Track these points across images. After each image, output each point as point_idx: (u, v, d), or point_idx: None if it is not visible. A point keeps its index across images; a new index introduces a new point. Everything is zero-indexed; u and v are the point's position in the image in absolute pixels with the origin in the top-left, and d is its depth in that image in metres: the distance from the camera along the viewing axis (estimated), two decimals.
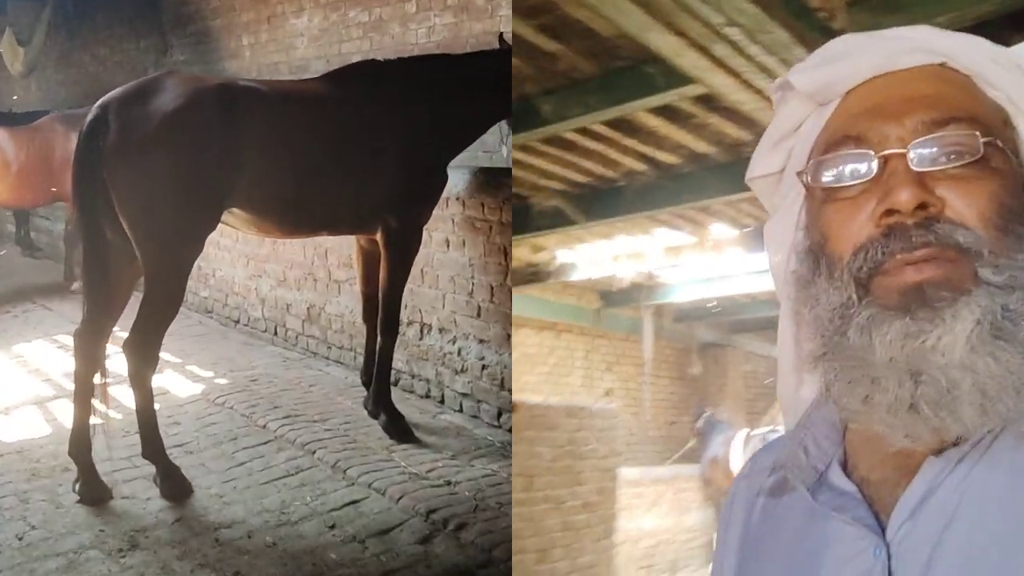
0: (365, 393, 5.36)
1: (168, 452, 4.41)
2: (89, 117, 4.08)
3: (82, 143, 4.05)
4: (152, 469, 4.32)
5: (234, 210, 4.35)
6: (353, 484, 4.36)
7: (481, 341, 5.21)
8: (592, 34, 3.72)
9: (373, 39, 7.36)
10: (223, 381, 6.08)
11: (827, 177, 0.96)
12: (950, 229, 0.87)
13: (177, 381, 6.15)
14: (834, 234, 0.95)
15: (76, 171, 4.09)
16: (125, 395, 5.63)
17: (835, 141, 0.97)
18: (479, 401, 5.26)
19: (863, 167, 0.92)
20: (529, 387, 8.36)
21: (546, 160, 5.23)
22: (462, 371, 5.36)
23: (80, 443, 4.28)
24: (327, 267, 6.42)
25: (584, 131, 4.68)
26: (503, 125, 5.23)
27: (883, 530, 0.90)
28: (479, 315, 5.20)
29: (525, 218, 5.95)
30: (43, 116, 9.51)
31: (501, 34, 5.49)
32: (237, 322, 7.57)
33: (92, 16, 11.83)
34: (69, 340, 7.25)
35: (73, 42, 12.57)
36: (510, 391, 5.03)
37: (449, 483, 4.34)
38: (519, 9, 3.73)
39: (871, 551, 0.89)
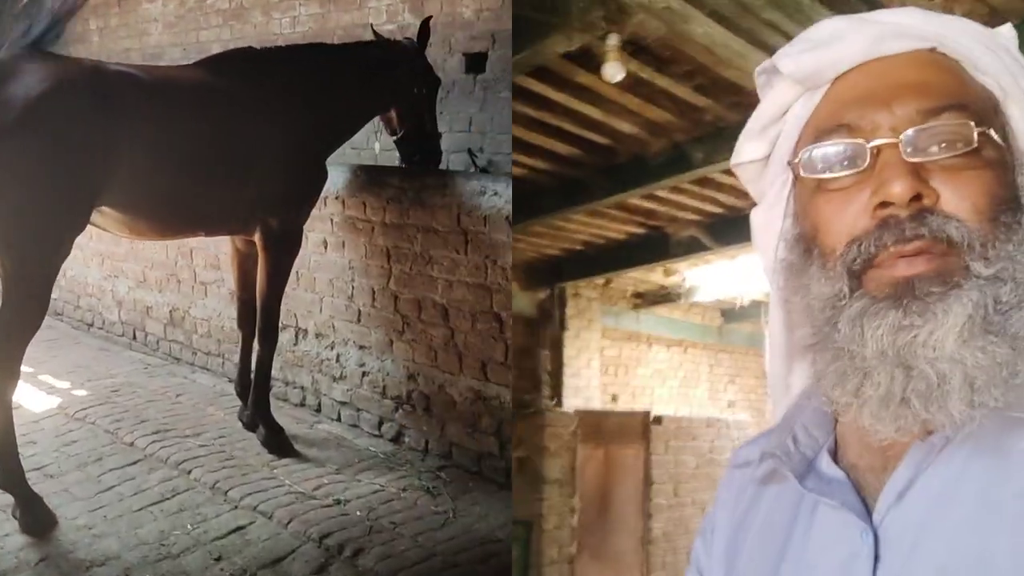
0: (237, 403, 5.04)
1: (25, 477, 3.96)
2: None
3: None
4: (6, 498, 3.88)
5: (104, 209, 3.93)
6: (236, 507, 4.03)
7: (361, 347, 4.94)
8: (738, 89, 4.22)
9: (233, 27, 7.00)
10: (82, 392, 5.61)
11: (819, 167, 0.94)
12: (943, 222, 0.86)
13: (30, 393, 5.62)
14: (826, 225, 0.93)
15: None
16: None
17: (825, 130, 0.95)
18: (359, 410, 5.00)
19: (855, 157, 0.91)
20: (661, 400, 8.91)
21: (687, 196, 5.79)
22: (341, 378, 5.09)
23: None
24: (192, 267, 6.02)
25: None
26: (376, 120, 5.00)
27: (870, 515, 0.90)
28: (359, 320, 4.94)
29: (665, 245, 6.61)
30: None
31: (372, 25, 5.24)
32: (91, 325, 7.06)
33: None
34: None
35: None
36: (394, 399, 4.79)
37: (339, 502, 4.06)
38: (677, 74, 4.27)
39: (858, 535, 0.89)
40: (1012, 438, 0.85)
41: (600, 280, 7.94)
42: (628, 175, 5.43)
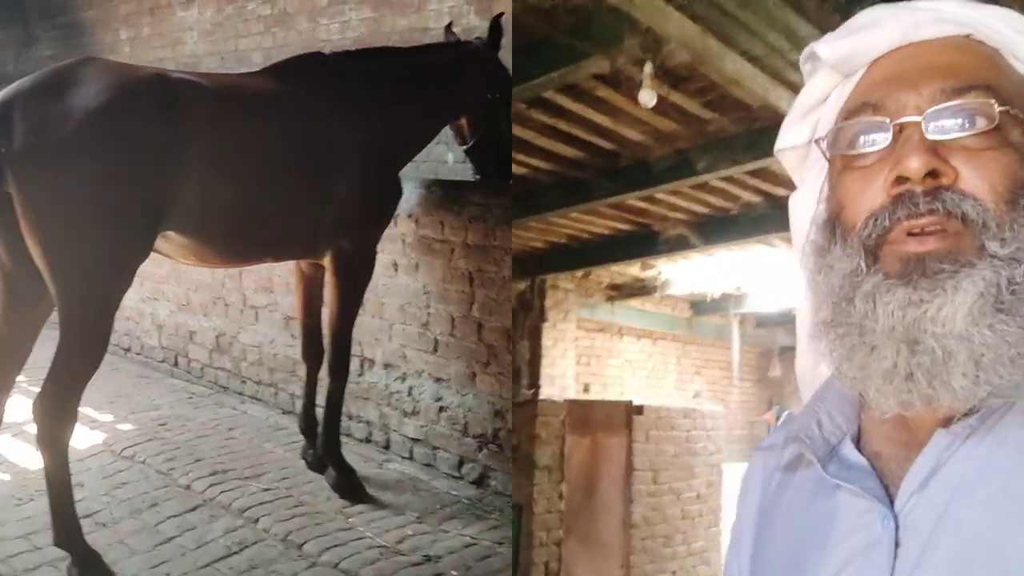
0: (296, 439, 4.60)
1: None
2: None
3: None
4: (57, 551, 3.43)
5: (169, 233, 3.49)
6: (315, 564, 3.56)
7: (438, 380, 4.49)
8: (745, 106, 4.48)
9: (276, 34, 6.54)
10: (127, 427, 5.15)
11: (843, 144, 0.95)
12: (959, 199, 0.85)
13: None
14: (849, 202, 0.93)
15: None
16: (11, 447, 4.75)
17: (854, 109, 0.96)
18: (435, 448, 4.54)
19: (879, 135, 0.91)
20: (631, 390, 9.13)
21: (679, 197, 5.93)
22: (413, 413, 4.63)
23: None
24: (241, 290, 5.57)
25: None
26: (447, 130, 4.57)
27: (892, 502, 0.89)
28: (435, 350, 4.48)
29: (653, 242, 6.86)
30: None
31: (449, 24, 4.76)
32: (128, 350, 6.60)
33: None
34: None
35: None
36: (476, 438, 4.33)
37: (429, 558, 3.60)
38: (690, 90, 4.39)
39: (879, 521, 0.89)
40: None
41: (579, 272, 8.06)
42: (630, 178, 5.53)
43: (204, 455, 4.68)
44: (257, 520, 3.94)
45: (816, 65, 1.05)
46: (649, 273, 8.28)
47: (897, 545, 0.87)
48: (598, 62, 3.97)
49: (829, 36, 1.03)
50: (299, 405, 4.62)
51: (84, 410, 5.28)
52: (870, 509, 0.91)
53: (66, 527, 3.36)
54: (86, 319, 3.27)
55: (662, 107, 4.45)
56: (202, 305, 5.90)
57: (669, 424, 6.68)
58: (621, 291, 8.94)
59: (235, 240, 3.69)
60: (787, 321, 8.99)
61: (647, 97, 3.92)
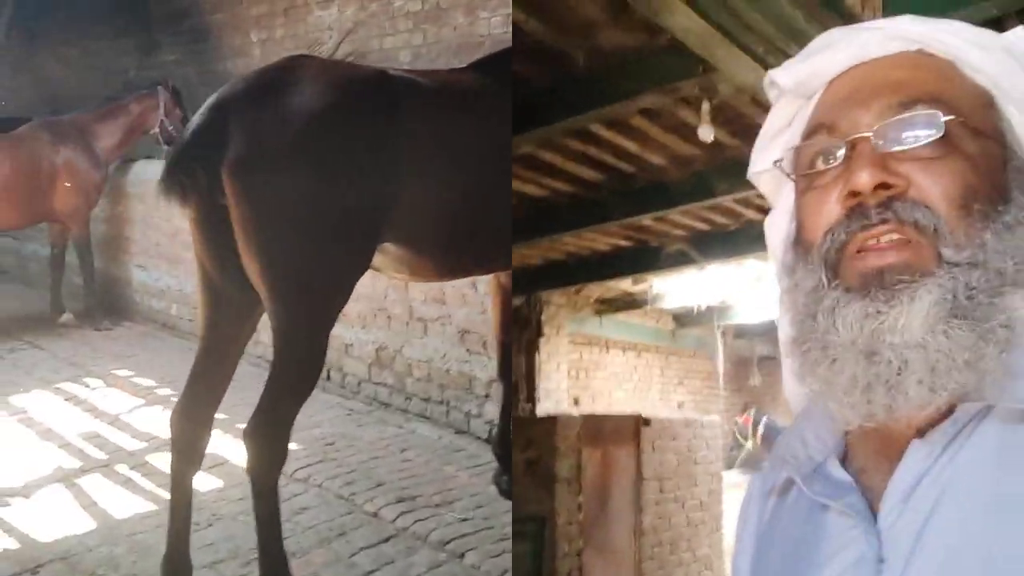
0: (478, 462, 4.25)
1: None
2: (197, 122, 2.86)
3: (186, 158, 2.82)
4: None
5: (387, 245, 3.16)
6: None
7: None
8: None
9: (427, 31, 6.19)
10: (292, 446, 4.83)
11: (803, 164, 0.97)
12: (910, 208, 0.87)
13: (232, 446, 4.92)
14: (808, 220, 0.96)
15: (177, 195, 2.84)
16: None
17: (810, 130, 0.99)
18: None
19: (831, 153, 0.93)
20: (618, 402, 9.43)
21: (683, 215, 5.97)
22: None
23: (177, 567, 3.10)
24: (407, 302, 5.23)
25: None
26: None
27: (875, 517, 0.89)
28: None
29: (652, 258, 6.94)
30: (19, 123, 8.17)
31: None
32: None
33: (56, 14, 10.38)
34: (76, 390, 6.10)
35: (31, 44, 11.09)
36: None
37: None
38: (717, 120, 4.12)
39: (863, 538, 0.89)
40: (1016, 434, 0.83)
41: (571, 288, 8.15)
42: (647, 199, 5.59)
43: (383, 479, 4.35)
44: (462, 555, 3.58)
45: (777, 91, 1.07)
46: (640, 287, 8.36)
47: (882, 560, 0.86)
48: (651, 99, 4.06)
49: (788, 62, 1.06)
50: (474, 425, 4.27)
51: (241, 425, 5.04)
52: (854, 526, 0.90)
53: (275, 567, 3.04)
54: (304, 337, 2.98)
55: (684, 133, 4.59)
56: (360, 316, 5.59)
57: (672, 434, 6.87)
58: (610, 305, 9.05)
59: (450, 251, 3.34)
60: (765, 331, 9.52)
61: (706, 133, 4.02)
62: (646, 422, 6.64)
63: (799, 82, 1.04)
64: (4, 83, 11.95)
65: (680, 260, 6.79)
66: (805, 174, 0.97)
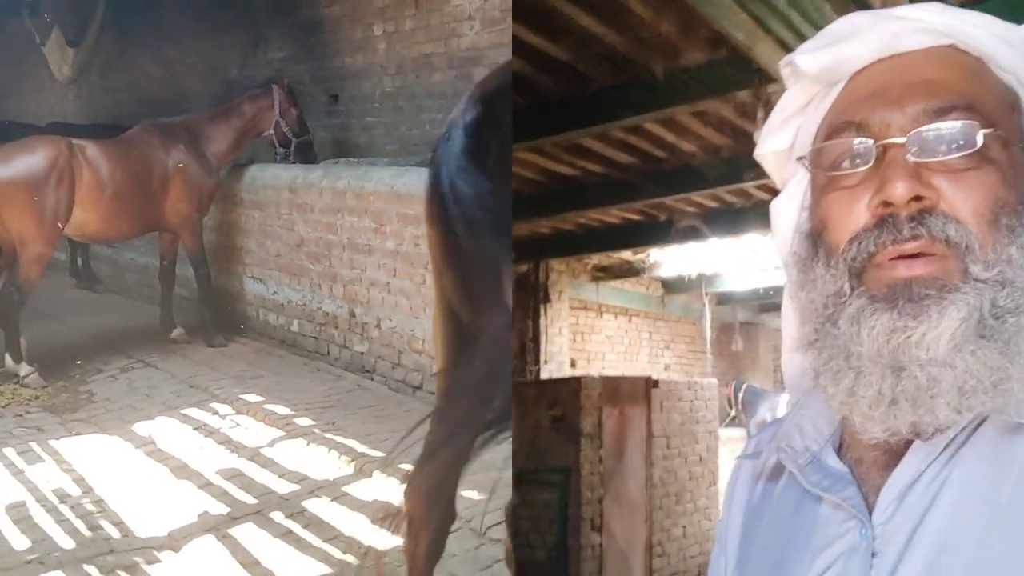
0: None
1: None
2: (472, 119, 2.21)
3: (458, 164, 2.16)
4: None
5: None
6: None
7: None
8: None
9: None
10: (473, 494, 4.16)
11: (827, 163, 0.94)
12: (942, 223, 0.86)
13: (391, 486, 4.26)
14: (833, 221, 0.93)
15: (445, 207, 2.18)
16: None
17: (837, 127, 0.95)
18: None
19: (862, 155, 0.91)
20: (611, 364, 9.89)
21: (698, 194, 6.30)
22: None
23: None
24: None
25: None
26: None
27: (870, 511, 0.90)
28: None
29: (664, 232, 7.18)
30: (117, 131, 7.66)
31: None
32: (417, 388, 5.64)
33: (154, 10, 9.85)
34: (204, 417, 5.49)
35: (126, 42, 10.59)
36: None
37: None
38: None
39: (857, 531, 0.89)
40: (1013, 444, 0.85)
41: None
42: (675, 180, 5.88)
43: None
44: None
45: (796, 74, 1.03)
46: (639, 256, 8.69)
47: (874, 554, 0.87)
48: (710, 104, 4.46)
49: (808, 45, 1.02)
50: None
51: (404, 465, 4.37)
52: (848, 519, 0.91)
53: None
54: None
55: (720, 126, 4.99)
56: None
57: (677, 395, 7.47)
58: (607, 272, 9.35)
59: None
60: (747, 298, 10.58)
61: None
62: (655, 384, 7.28)
63: (823, 68, 0.98)
64: (95, 84, 11.48)
65: (690, 235, 7.06)
66: (830, 174, 0.94)
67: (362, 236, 5.86)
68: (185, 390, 5.88)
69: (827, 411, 1.00)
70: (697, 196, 6.43)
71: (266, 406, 5.45)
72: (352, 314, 6.01)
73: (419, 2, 6.77)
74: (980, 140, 0.87)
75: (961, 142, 0.87)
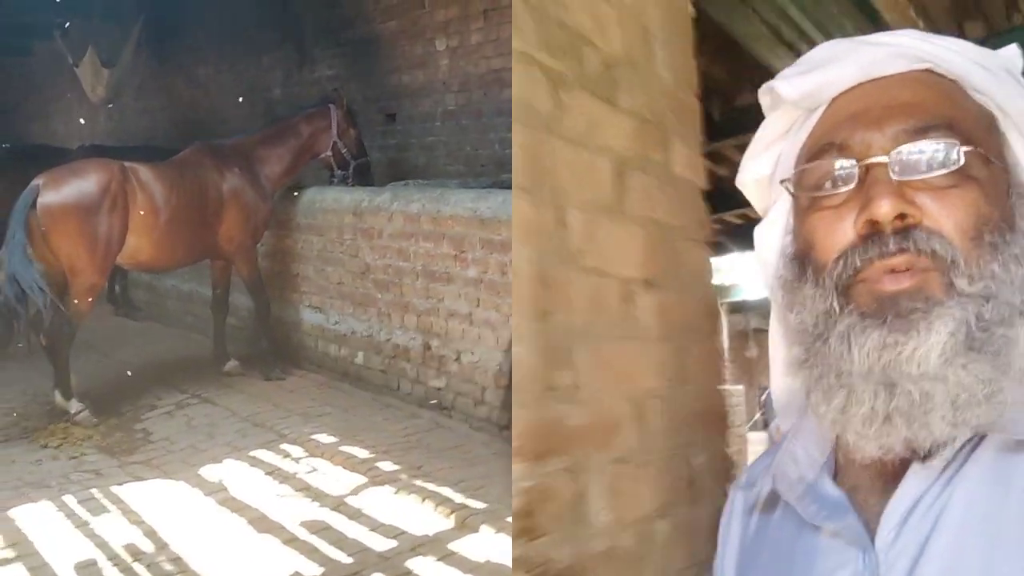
0: None
1: None
2: None
3: None
4: None
5: None
6: None
7: None
8: None
9: None
10: None
11: (810, 184, 0.95)
12: (927, 237, 0.87)
13: (497, 543, 3.85)
14: (818, 242, 0.94)
15: None
16: None
17: (819, 149, 0.96)
18: None
19: (846, 176, 0.92)
20: None
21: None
22: None
23: None
24: None
25: None
26: None
27: (871, 538, 0.89)
28: None
29: None
30: (156, 153, 7.29)
31: None
32: (505, 427, 5.20)
33: (191, 30, 9.49)
34: (275, 460, 5.06)
35: (162, 63, 10.23)
36: None
37: None
38: None
39: (860, 559, 0.89)
40: (1012, 463, 0.84)
41: None
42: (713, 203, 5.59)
43: None
44: None
45: (776, 101, 1.04)
46: None
47: None
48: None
49: (788, 72, 1.02)
50: None
51: (510, 519, 3.95)
52: (849, 547, 0.90)
53: None
54: None
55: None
56: None
57: None
58: None
59: None
60: (758, 307, 10.67)
61: None
62: None
63: (803, 95, 1.00)
64: (127, 106, 11.11)
65: (716, 250, 7.13)
66: (813, 195, 0.95)
67: (439, 263, 5.43)
68: (249, 429, 5.45)
69: (819, 437, 1.00)
70: (728, 215, 6.96)
71: (342, 448, 5.01)
72: (427, 346, 5.58)
73: (487, 15, 6.38)
74: (961, 158, 0.88)
75: (942, 160, 0.88)
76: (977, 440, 0.86)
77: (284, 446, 5.13)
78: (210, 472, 4.79)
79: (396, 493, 4.42)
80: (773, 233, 1.07)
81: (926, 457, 0.87)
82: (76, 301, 5.64)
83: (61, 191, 5.54)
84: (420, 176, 6.86)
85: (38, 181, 5.58)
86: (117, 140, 10.75)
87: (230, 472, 4.78)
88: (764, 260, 1.09)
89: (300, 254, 6.75)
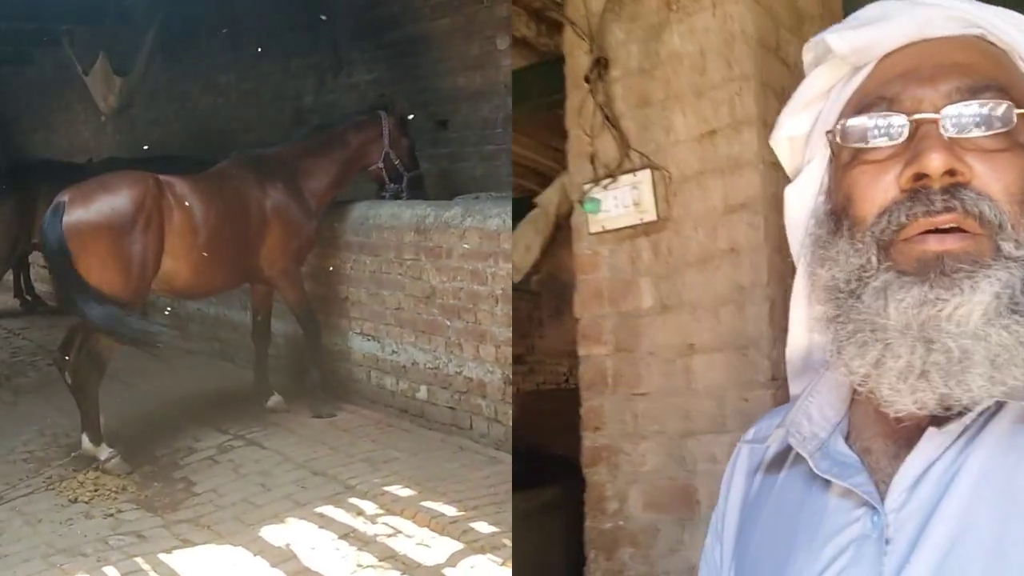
0: None
1: None
2: None
3: None
4: None
5: None
6: None
7: None
8: None
9: None
10: None
11: (856, 137, 0.92)
12: (976, 198, 0.84)
13: None
14: (859, 196, 0.91)
15: None
16: None
17: (868, 103, 0.94)
18: None
19: (894, 130, 0.89)
20: None
21: None
22: None
23: None
24: None
25: None
26: None
27: (881, 499, 0.88)
28: None
29: None
30: (167, 163, 6.60)
31: None
32: None
33: (209, 35, 8.77)
34: (345, 518, 4.32)
35: (174, 70, 9.50)
36: None
37: None
38: None
39: (869, 518, 0.88)
40: None
41: None
42: None
43: None
44: None
45: (823, 55, 1.01)
46: None
47: (887, 541, 0.85)
48: None
49: (838, 26, 1.00)
50: None
51: None
52: (859, 505, 0.90)
53: None
54: None
55: None
56: None
57: None
58: None
59: None
60: None
61: None
62: None
63: (854, 49, 0.97)
64: (137, 116, 10.36)
65: None
66: (857, 148, 0.92)
67: None
68: (308, 478, 4.71)
69: (835, 397, 1.00)
70: None
71: (424, 504, 4.27)
72: (507, 380, 4.85)
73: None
74: (1014, 119, 0.86)
75: (996, 121, 0.85)
76: (995, 408, 0.84)
77: (354, 500, 4.40)
78: (272, 534, 4.06)
79: (502, 565, 3.68)
80: (805, 194, 1.02)
81: (944, 422, 0.85)
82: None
83: (90, 208, 4.81)
84: (479, 189, 6.13)
85: (63, 197, 4.83)
86: (126, 153, 10.00)
87: (296, 534, 4.05)
88: (793, 221, 1.05)
89: (349, 275, 6.01)
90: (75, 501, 4.51)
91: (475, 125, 6.42)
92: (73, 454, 4.97)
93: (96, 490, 4.65)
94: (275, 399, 5.82)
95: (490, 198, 5.34)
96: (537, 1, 3.73)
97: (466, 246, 5.06)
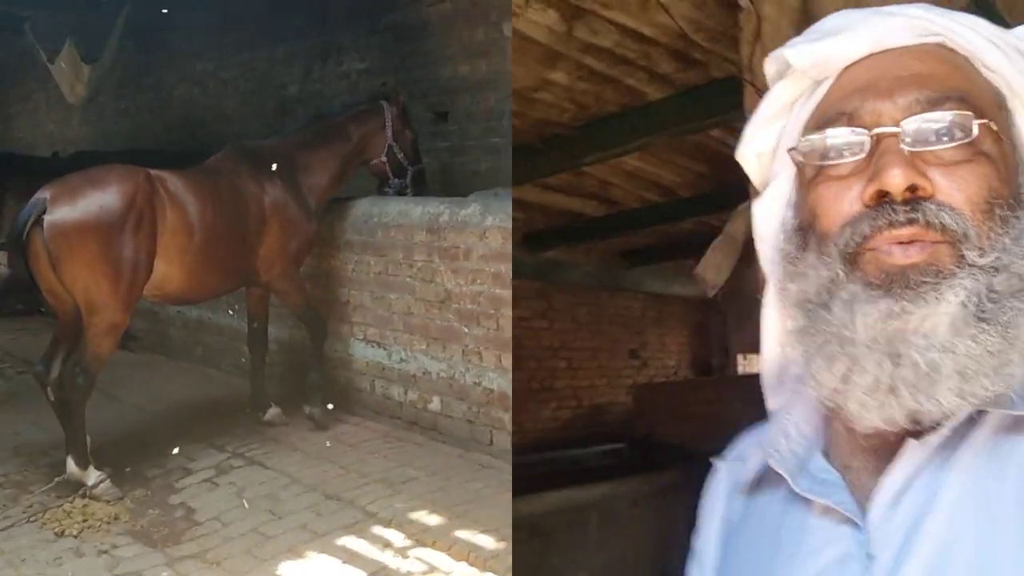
0: None
1: None
2: None
3: None
4: None
5: None
6: None
7: None
8: None
9: None
10: None
11: (817, 154, 0.91)
12: (937, 210, 0.83)
13: None
14: (823, 212, 0.90)
15: None
16: None
17: (828, 118, 0.92)
18: None
19: (855, 145, 0.88)
20: None
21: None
22: None
23: None
24: None
25: None
26: None
27: (863, 515, 0.86)
28: None
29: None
30: (141, 156, 6.08)
31: None
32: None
33: (184, 19, 8.21)
34: (371, 551, 3.73)
35: (148, 57, 8.92)
36: None
37: None
38: None
39: (852, 535, 0.86)
40: (1009, 440, 0.81)
41: None
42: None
43: None
44: None
45: (784, 70, 0.99)
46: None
47: (871, 558, 0.83)
48: None
49: (798, 40, 0.98)
50: None
51: None
52: (841, 523, 0.87)
53: None
54: None
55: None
56: None
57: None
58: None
59: None
60: None
61: None
62: None
63: (813, 63, 0.95)
64: (106, 107, 9.76)
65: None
66: (820, 164, 0.90)
67: None
68: (322, 503, 4.25)
69: (811, 414, 0.97)
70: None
71: (457, 534, 3.83)
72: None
73: None
74: (975, 130, 0.84)
75: (955, 132, 0.84)
76: (975, 419, 0.82)
77: (377, 530, 3.94)
78: (292, 572, 3.59)
79: None
80: (774, 208, 1.01)
81: (922, 434, 0.83)
82: (94, 345, 4.38)
83: (76, 205, 4.29)
84: (482, 185, 5.69)
85: (44, 194, 4.31)
86: (93, 146, 9.41)
87: (318, 572, 3.59)
88: (762, 235, 1.04)
89: (351, 278, 5.54)
90: (62, 535, 4.00)
91: (478, 117, 5.97)
92: (57, 479, 4.45)
93: (85, 520, 4.14)
94: (273, 411, 5.34)
95: (509, 195, 4.89)
96: (680, 43, 3.75)
97: (487, 247, 4.61)
